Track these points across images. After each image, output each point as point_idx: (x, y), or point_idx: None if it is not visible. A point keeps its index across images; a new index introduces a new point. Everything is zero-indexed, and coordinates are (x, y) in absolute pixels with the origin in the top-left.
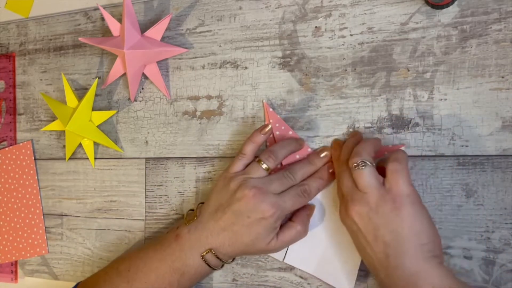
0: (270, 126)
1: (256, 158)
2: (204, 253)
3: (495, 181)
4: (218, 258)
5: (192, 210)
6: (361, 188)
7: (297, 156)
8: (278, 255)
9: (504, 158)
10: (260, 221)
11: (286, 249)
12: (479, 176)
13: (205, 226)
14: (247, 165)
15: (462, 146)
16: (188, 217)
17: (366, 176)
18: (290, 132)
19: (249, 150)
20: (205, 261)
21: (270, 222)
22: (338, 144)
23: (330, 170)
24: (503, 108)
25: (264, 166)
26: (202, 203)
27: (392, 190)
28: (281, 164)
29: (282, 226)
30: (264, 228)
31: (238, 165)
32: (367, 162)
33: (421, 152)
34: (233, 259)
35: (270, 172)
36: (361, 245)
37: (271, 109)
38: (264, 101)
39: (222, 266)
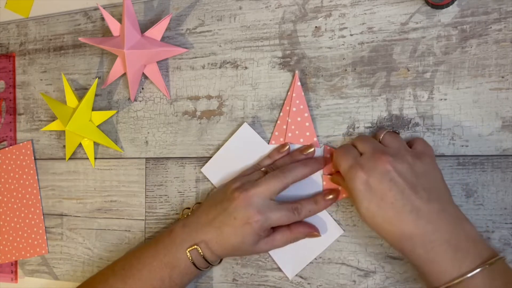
0: (288, 146)
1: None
2: (190, 248)
3: (495, 181)
4: (204, 257)
5: (188, 208)
6: (394, 145)
7: (301, 140)
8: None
9: (504, 158)
10: (245, 225)
11: None
12: (479, 176)
13: (197, 220)
14: None
15: (462, 146)
16: (183, 214)
17: (399, 138)
18: (306, 114)
19: (265, 163)
20: (190, 258)
21: (254, 228)
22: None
23: (327, 197)
24: (503, 108)
25: (263, 169)
26: (199, 203)
27: (420, 149)
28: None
29: (276, 229)
30: (249, 233)
31: (247, 170)
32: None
33: None
34: (220, 261)
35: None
36: (391, 200)
37: (299, 83)
38: (296, 71)
39: (208, 267)
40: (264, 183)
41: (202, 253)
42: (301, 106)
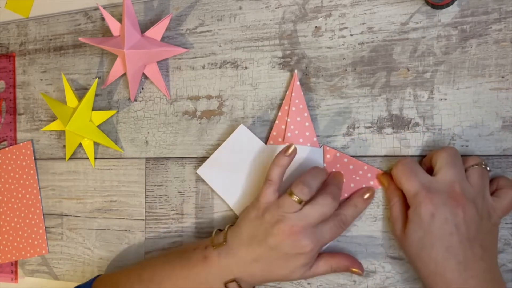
0: (294, 147)
1: (288, 190)
2: (228, 282)
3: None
4: (239, 286)
5: (221, 230)
6: (477, 185)
7: (300, 140)
8: None
9: (504, 158)
10: (298, 256)
11: None
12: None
13: (236, 254)
14: (279, 194)
15: (462, 146)
16: (216, 239)
17: (487, 179)
18: (305, 114)
19: (276, 175)
20: None
21: (309, 256)
22: (387, 176)
23: (365, 196)
24: (503, 108)
25: (296, 198)
26: (232, 225)
27: (501, 201)
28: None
29: (319, 256)
30: (302, 263)
31: (269, 194)
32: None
33: (421, 152)
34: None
35: (304, 204)
36: (448, 244)
37: (298, 83)
38: (296, 71)
39: None
40: (313, 212)
41: (240, 285)
42: (301, 106)
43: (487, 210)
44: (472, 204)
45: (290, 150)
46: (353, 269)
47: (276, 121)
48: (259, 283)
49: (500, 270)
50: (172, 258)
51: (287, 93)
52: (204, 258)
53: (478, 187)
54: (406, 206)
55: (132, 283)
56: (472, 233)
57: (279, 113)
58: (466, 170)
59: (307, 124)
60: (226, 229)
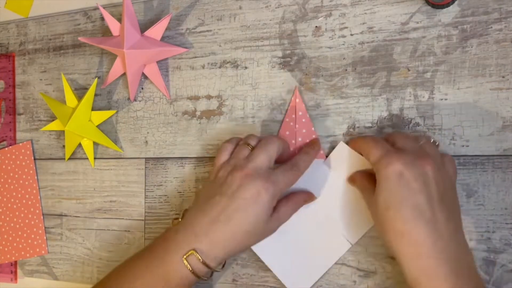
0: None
1: (240, 142)
2: (186, 255)
3: (495, 181)
4: (203, 263)
5: (177, 217)
6: (434, 154)
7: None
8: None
9: (505, 158)
10: (256, 199)
11: None
12: (479, 176)
13: (192, 223)
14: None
15: (463, 146)
16: (173, 223)
17: (437, 149)
18: (313, 129)
19: (233, 139)
20: (188, 267)
21: (267, 198)
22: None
23: (314, 147)
24: (504, 108)
25: (244, 143)
26: (187, 209)
27: (450, 169)
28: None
29: (277, 205)
30: (262, 207)
31: (223, 155)
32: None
33: None
34: (223, 266)
35: (252, 149)
36: (417, 202)
37: (298, 100)
38: (296, 86)
39: (211, 275)
40: (260, 152)
41: (201, 259)
42: (303, 120)
43: (447, 171)
44: (437, 166)
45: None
46: (310, 196)
47: (280, 128)
48: (223, 251)
49: (464, 233)
50: (136, 254)
51: (289, 109)
52: (163, 240)
53: (436, 154)
54: (371, 177)
55: None
56: (440, 193)
57: (280, 128)
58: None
59: (313, 136)
60: (182, 212)
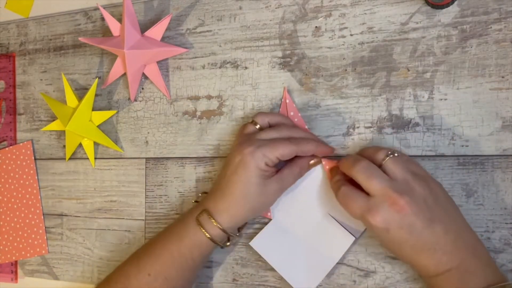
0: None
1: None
2: (199, 214)
3: (495, 181)
4: (218, 225)
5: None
6: (401, 176)
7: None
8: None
9: (504, 158)
10: (241, 162)
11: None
12: (479, 176)
13: (205, 197)
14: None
15: (462, 146)
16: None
17: (403, 162)
18: (306, 126)
19: (265, 122)
20: (199, 224)
21: (249, 160)
22: (334, 168)
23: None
24: (503, 108)
25: (252, 122)
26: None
27: (420, 174)
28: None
29: (282, 167)
30: (249, 169)
31: (249, 126)
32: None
33: (421, 152)
34: (239, 230)
35: (260, 128)
36: (411, 243)
37: (288, 100)
38: (285, 86)
39: (228, 240)
40: (264, 132)
41: (213, 220)
42: (296, 119)
43: (421, 186)
44: (410, 194)
45: (312, 161)
46: (317, 158)
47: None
48: (230, 216)
49: (469, 227)
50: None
51: (280, 109)
52: (185, 214)
53: (401, 175)
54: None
55: (121, 267)
56: (427, 217)
57: None
58: (380, 167)
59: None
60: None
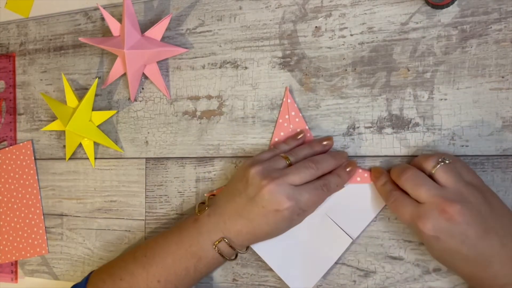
0: (303, 133)
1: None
2: (217, 241)
3: (495, 181)
4: (231, 247)
5: (203, 203)
6: (453, 184)
7: None
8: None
9: (504, 158)
10: (275, 213)
11: None
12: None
13: (223, 210)
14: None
15: (462, 146)
16: (199, 207)
17: (455, 170)
18: (306, 127)
19: (283, 149)
20: (218, 250)
21: (286, 214)
22: (379, 171)
23: (347, 169)
24: (503, 108)
25: (284, 156)
26: (214, 195)
27: (473, 183)
28: None
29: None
30: (282, 220)
31: (265, 154)
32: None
33: (421, 152)
34: (247, 248)
35: (289, 165)
36: (464, 253)
37: (289, 100)
38: (287, 86)
39: (236, 256)
40: (295, 173)
41: (230, 244)
42: (297, 119)
43: (475, 196)
44: (461, 203)
45: (300, 136)
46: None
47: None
48: (247, 241)
49: None
50: (165, 231)
51: (282, 109)
52: (194, 220)
53: (453, 184)
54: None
55: (127, 263)
56: (481, 228)
57: (275, 127)
58: (431, 177)
59: (308, 135)
60: (208, 199)
